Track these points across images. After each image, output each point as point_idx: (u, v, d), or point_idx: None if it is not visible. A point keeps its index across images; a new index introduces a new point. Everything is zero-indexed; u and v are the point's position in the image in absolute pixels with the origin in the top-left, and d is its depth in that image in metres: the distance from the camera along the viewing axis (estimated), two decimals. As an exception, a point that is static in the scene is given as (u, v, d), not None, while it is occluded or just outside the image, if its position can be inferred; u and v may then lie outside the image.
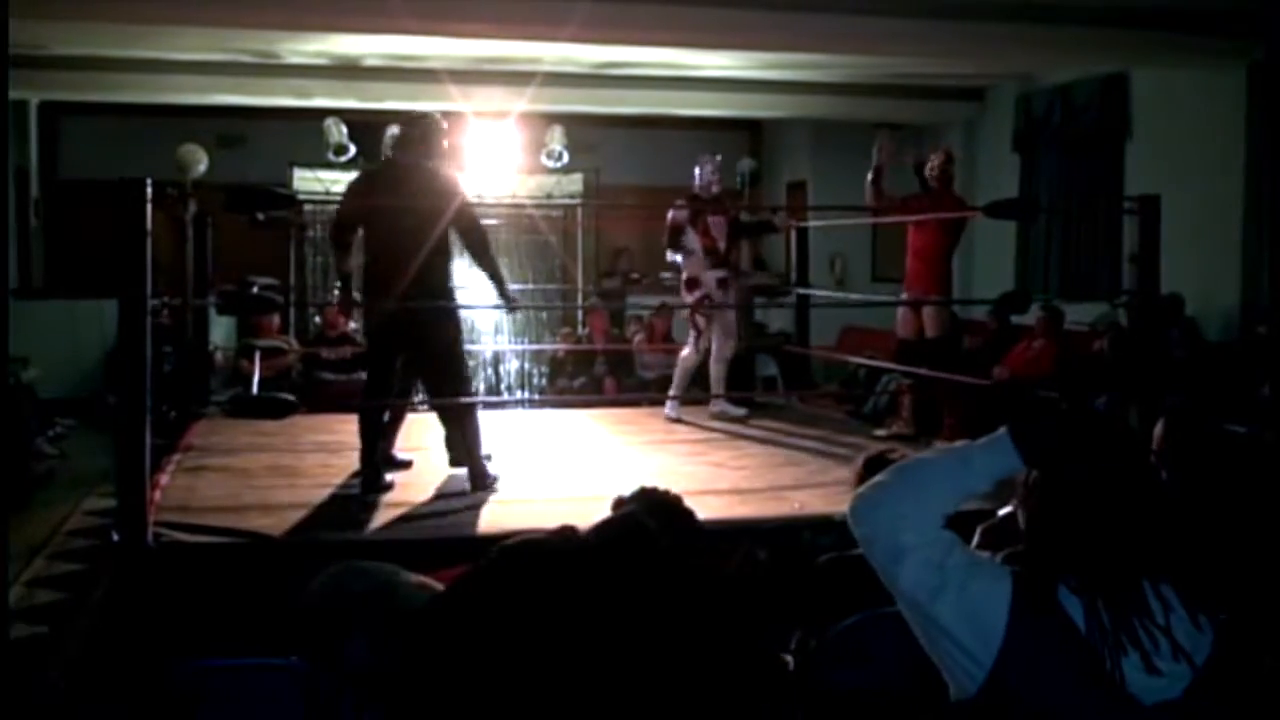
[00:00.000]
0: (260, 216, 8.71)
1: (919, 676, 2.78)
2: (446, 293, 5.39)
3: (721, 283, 7.48)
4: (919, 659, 1.94)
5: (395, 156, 5.93)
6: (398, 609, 2.88)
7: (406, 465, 5.70)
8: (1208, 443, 3.88)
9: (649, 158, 12.47)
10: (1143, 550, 1.78)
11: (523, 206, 11.20)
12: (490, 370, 11.09)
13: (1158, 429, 3.93)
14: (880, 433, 7.08)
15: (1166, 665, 1.74)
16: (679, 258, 7.60)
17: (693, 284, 7.50)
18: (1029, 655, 1.74)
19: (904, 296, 7.18)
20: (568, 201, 11.85)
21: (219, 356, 9.52)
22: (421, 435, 6.15)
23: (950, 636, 1.79)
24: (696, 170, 7.64)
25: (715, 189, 7.57)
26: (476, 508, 4.96)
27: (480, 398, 10.52)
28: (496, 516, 4.75)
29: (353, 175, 7.58)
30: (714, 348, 7.55)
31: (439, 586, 2.91)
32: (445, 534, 4.63)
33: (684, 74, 9.66)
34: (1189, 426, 3.88)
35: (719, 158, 7.80)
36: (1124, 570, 1.77)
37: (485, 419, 5.73)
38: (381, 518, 4.84)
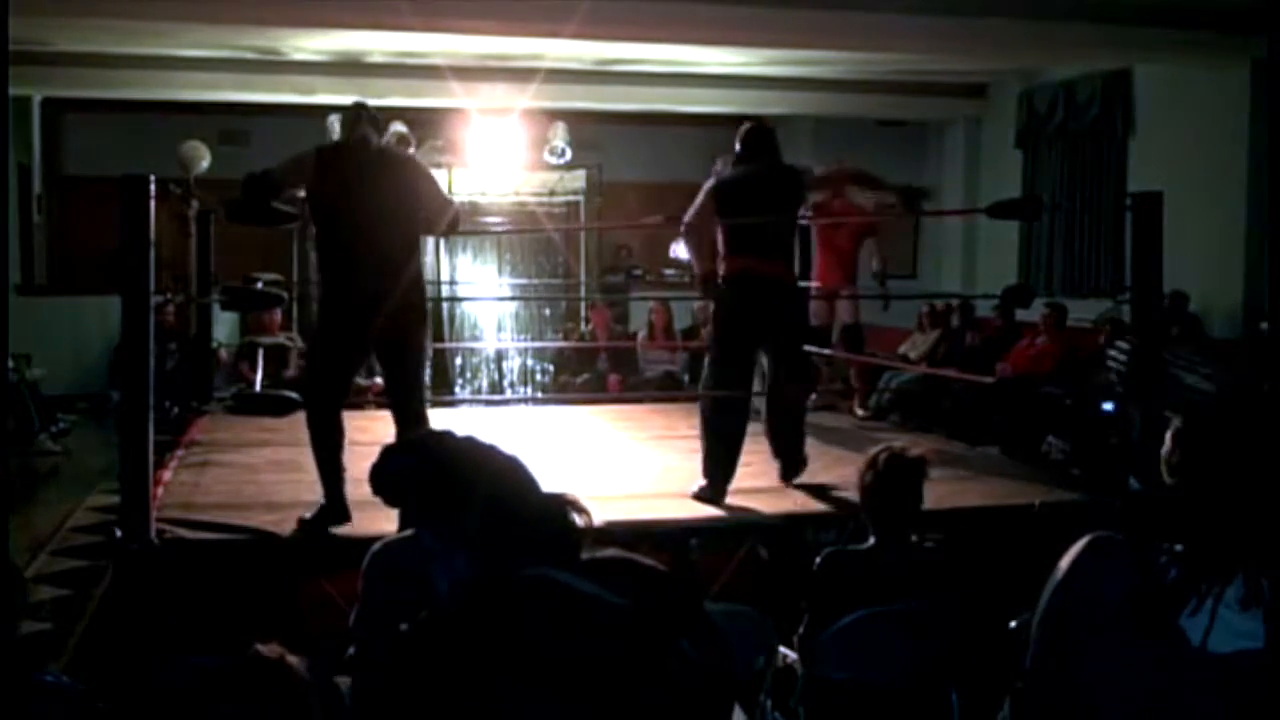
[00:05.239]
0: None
1: (919, 673, 2.79)
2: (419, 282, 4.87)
3: None
4: (920, 656, 1.96)
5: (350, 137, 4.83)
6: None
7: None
8: (1225, 445, 3.85)
9: (652, 154, 12.45)
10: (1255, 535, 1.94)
11: (527, 204, 11.19)
12: (493, 367, 11.09)
13: (1169, 432, 3.91)
14: None
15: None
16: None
17: None
18: (1088, 586, 1.91)
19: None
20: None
21: (222, 353, 9.55)
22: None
23: None
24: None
25: None
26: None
27: (483, 396, 10.57)
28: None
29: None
30: None
31: None
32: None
33: (686, 70, 9.65)
34: (1205, 428, 3.85)
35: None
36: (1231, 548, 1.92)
37: (489, 416, 5.73)
38: (385, 514, 4.83)
